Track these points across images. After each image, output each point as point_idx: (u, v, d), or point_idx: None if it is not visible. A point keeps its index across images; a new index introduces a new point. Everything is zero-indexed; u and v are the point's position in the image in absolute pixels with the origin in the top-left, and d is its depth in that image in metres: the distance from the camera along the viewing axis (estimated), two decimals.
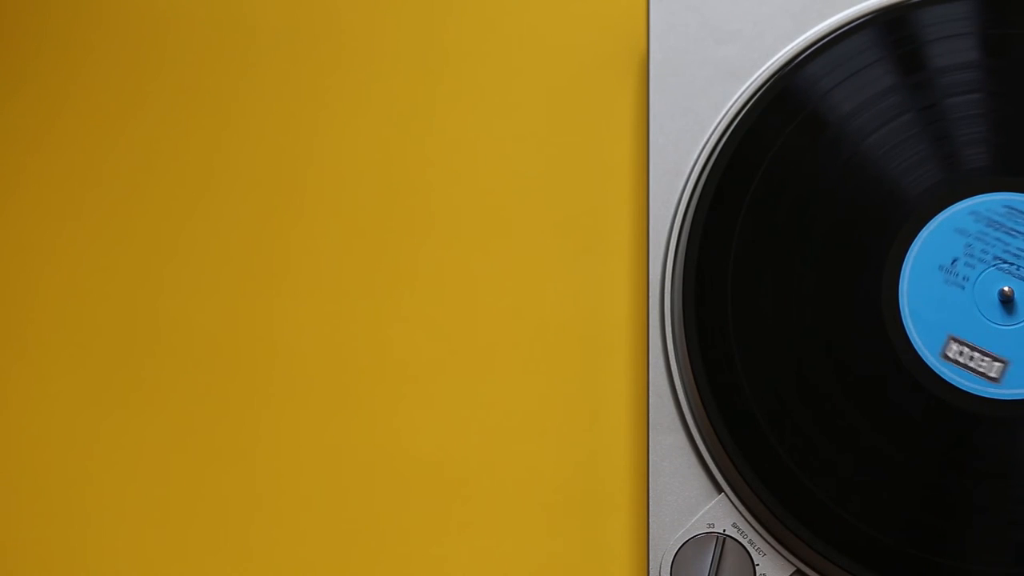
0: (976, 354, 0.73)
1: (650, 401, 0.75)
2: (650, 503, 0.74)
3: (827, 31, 0.77)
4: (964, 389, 0.73)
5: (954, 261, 0.74)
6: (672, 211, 0.77)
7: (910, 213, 0.74)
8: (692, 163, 0.77)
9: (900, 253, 0.74)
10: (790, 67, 0.76)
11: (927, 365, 0.73)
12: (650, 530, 0.74)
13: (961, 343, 0.73)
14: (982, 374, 0.73)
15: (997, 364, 0.73)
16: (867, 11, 0.77)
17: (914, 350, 0.73)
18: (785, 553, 0.74)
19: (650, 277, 0.77)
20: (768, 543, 0.74)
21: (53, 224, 0.83)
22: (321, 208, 0.82)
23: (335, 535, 0.79)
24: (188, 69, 0.84)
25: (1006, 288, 0.74)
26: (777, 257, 0.75)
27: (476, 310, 0.81)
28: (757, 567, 0.74)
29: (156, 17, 0.85)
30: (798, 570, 0.74)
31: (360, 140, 0.83)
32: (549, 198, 0.81)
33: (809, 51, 0.76)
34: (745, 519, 0.74)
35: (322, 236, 0.82)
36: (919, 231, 0.74)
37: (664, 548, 0.74)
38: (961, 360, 0.73)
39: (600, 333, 0.80)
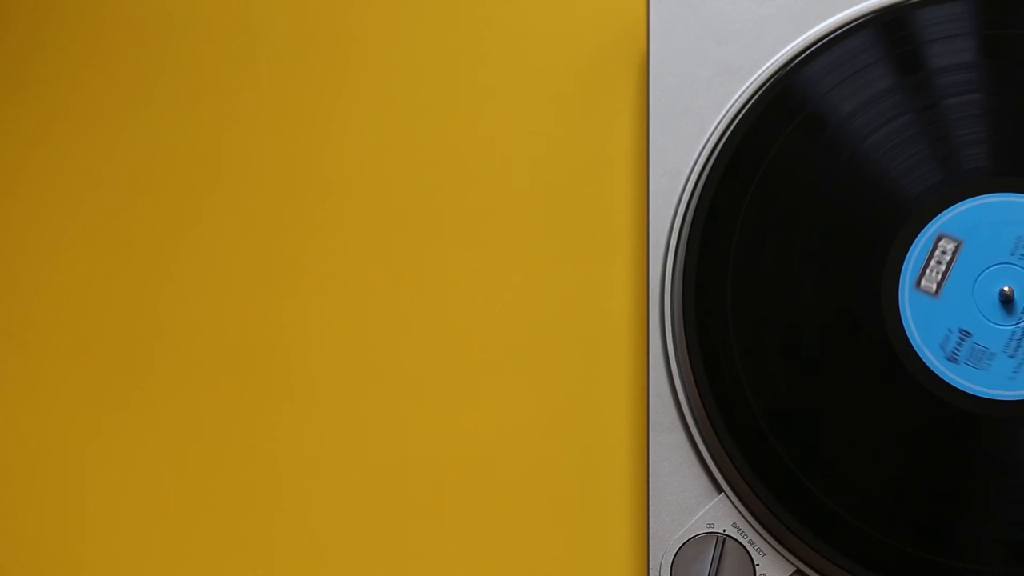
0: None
1: (650, 401, 0.75)
2: (650, 503, 0.74)
3: (827, 31, 0.77)
4: (964, 389, 0.73)
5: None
6: (672, 211, 0.77)
7: (910, 213, 0.74)
8: (692, 163, 0.77)
9: (900, 253, 0.74)
10: (790, 67, 0.76)
11: (927, 366, 0.73)
12: (650, 530, 0.74)
13: None
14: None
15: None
16: (867, 11, 0.77)
17: (914, 350, 0.73)
18: (785, 553, 0.74)
19: (650, 277, 0.77)
20: (768, 543, 0.74)
21: (55, 224, 0.83)
22: (322, 208, 0.82)
23: (335, 535, 0.79)
24: (192, 67, 0.84)
25: (1006, 288, 0.74)
26: (777, 257, 0.75)
27: (476, 310, 0.81)
28: (757, 567, 0.74)
29: (159, 15, 0.85)
30: (798, 570, 0.74)
31: (360, 141, 0.83)
32: (549, 198, 0.81)
33: (809, 51, 0.76)
34: (745, 519, 0.74)
35: (322, 237, 0.82)
36: (919, 231, 0.74)
37: (664, 548, 0.74)
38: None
39: (600, 333, 0.80)
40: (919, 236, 0.74)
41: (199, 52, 0.84)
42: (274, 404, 0.80)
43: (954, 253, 0.74)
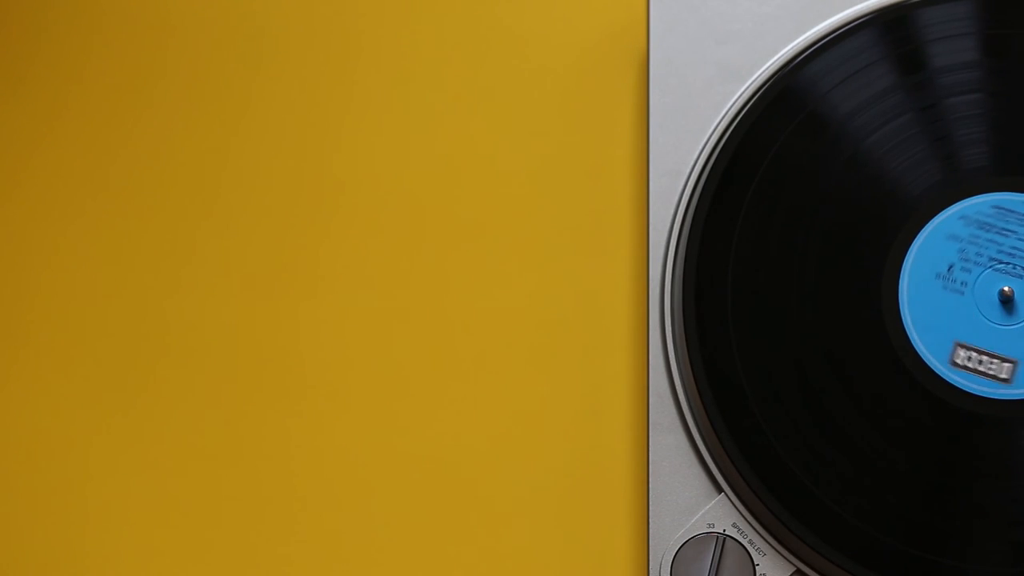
0: (984, 357, 0.73)
1: (650, 401, 0.75)
2: (650, 503, 0.74)
3: (827, 31, 0.77)
4: (964, 389, 0.73)
5: (950, 268, 0.74)
6: (672, 211, 0.77)
7: (910, 213, 0.74)
8: (692, 163, 0.77)
9: (900, 253, 0.74)
10: (790, 67, 0.76)
11: (926, 364, 0.73)
12: (650, 530, 0.74)
13: (968, 348, 0.73)
14: (992, 376, 0.73)
15: (1007, 365, 0.73)
16: (867, 11, 0.77)
17: (913, 349, 0.73)
18: (785, 553, 0.74)
19: (650, 277, 0.77)
20: (768, 543, 0.74)
21: (60, 224, 0.83)
22: (324, 209, 0.82)
23: (337, 536, 0.79)
24: (199, 64, 0.84)
25: (1006, 288, 0.74)
26: (777, 257, 0.75)
27: (476, 310, 0.81)
28: (757, 567, 0.74)
29: (161, 13, 0.85)
30: (798, 570, 0.74)
31: (360, 141, 0.83)
32: (549, 198, 0.81)
33: (809, 51, 0.76)
34: (745, 519, 0.74)
35: (325, 237, 0.82)
36: (918, 231, 0.74)
37: (664, 548, 0.74)
38: (970, 365, 0.73)
39: (600, 333, 0.80)
40: (919, 236, 0.74)
41: (205, 49, 0.84)
42: (279, 405, 0.80)
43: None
